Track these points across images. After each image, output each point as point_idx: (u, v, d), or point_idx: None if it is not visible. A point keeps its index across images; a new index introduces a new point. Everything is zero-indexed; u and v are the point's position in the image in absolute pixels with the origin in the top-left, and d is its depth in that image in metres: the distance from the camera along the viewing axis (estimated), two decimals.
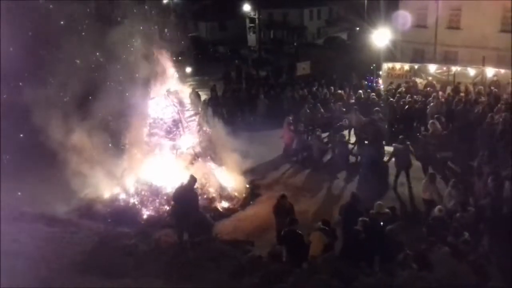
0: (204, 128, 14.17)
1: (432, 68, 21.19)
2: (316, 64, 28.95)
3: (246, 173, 14.42)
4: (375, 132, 15.38)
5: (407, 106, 17.37)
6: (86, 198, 12.70)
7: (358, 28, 38.04)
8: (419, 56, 26.38)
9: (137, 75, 12.87)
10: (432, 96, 18.15)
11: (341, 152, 15.00)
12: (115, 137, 13.16)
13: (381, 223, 9.44)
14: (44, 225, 10.29)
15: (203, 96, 22.17)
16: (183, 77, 15.02)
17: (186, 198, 10.40)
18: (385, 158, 14.58)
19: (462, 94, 18.49)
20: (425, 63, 22.24)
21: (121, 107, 12.46)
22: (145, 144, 13.19)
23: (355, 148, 16.04)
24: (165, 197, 12.48)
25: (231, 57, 39.47)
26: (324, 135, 16.52)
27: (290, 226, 9.13)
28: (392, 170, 14.05)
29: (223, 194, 13.23)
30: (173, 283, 8.06)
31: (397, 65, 22.33)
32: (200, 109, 14.67)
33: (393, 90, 20.15)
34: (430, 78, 20.85)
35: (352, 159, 15.67)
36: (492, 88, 18.47)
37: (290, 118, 16.84)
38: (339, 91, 20.75)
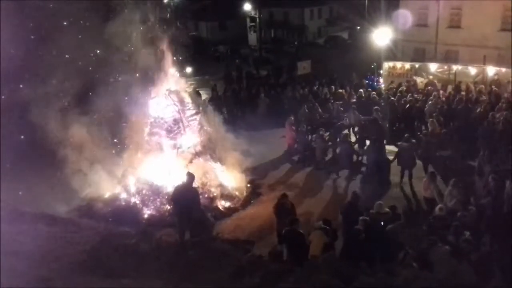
0: (205, 128, 14.17)
1: (433, 67, 21.14)
2: (317, 64, 28.95)
3: (247, 172, 14.40)
4: (379, 131, 15.36)
5: (408, 105, 17.36)
6: (87, 198, 12.68)
7: (359, 27, 38.07)
8: (420, 55, 26.40)
9: (137, 74, 12.88)
10: (433, 95, 18.14)
11: (345, 151, 14.87)
12: (116, 135, 13.16)
13: (382, 223, 9.44)
14: (45, 225, 10.26)
15: (204, 95, 22.18)
16: (183, 77, 15.01)
17: (187, 196, 10.34)
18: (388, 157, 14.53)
19: (463, 93, 18.48)
20: (426, 62, 22.21)
21: (122, 104, 12.46)
22: (146, 143, 13.19)
23: (356, 147, 16.02)
24: (166, 197, 12.48)
25: (231, 56, 39.51)
26: (325, 134, 16.48)
27: (291, 226, 9.13)
28: (393, 169, 14.03)
29: (224, 194, 13.24)
30: (174, 283, 8.05)
31: (398, 64, 22.27)
32: (200, 108, 14.67)
33: (394, 89, 20.16)
34: (431, 77, 20.80)
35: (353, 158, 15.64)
36: (493, 87, 18.46)
37: (292, 118, 16.84)
38: (340, 90, 20.76)
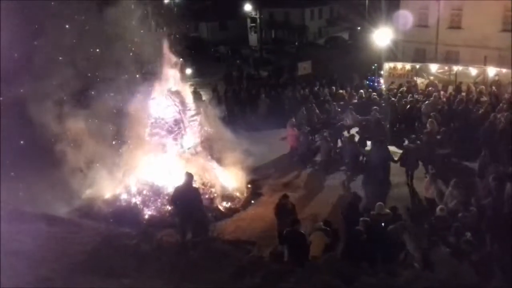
0: (206, 128, 14.16)
1: (434, 67, 21.14)
2: (317, 64, 29.00)
3: (248, 173, 14.39)
4: (382, 132, 15.32)
5: (408, 106, 17.36)
6: (87, 198, 12.69)
7: (359, 28, 38.06)
8: (420, 55, 26.37)
9: (137, 75, 12.88)
10: (433, 95, 18.14)
11: (351, 152, 14.67)
12: (116, 136, 13.15)
13: (382, 224, 9.43)
14: (45, 225, 10.25)
15: (205, 96, 22.17)
16: (184, 77, 14.99)
17: (188, 197, 10.29)
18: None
19: (463, 94, 18.47)
20: (427, 63, 22.21)
21: (123, 103, 12.45)
22: (146, 143, 13.19)
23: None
24: (167, 197, 12.47)
25: (232, 57, 39.55)
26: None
27: (292, 226, 9.12)
28: (393, 170, 14.02)
29: (225, 194, 13.24)
30: (175, 283, 8.04)
31: (399, 65, 22.26)
32: (201, 109, 14.66)
33: (395, 90, 20.15)
34: (431, 77, 20.80)
35: None
36: (493, 87, 18.46)
37: (293, 119, 16.83)
38: (341, 91, 20.76)
